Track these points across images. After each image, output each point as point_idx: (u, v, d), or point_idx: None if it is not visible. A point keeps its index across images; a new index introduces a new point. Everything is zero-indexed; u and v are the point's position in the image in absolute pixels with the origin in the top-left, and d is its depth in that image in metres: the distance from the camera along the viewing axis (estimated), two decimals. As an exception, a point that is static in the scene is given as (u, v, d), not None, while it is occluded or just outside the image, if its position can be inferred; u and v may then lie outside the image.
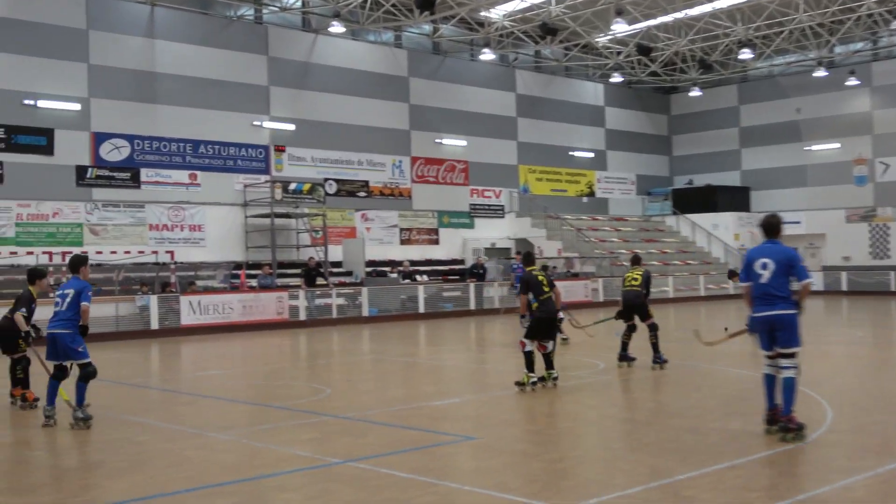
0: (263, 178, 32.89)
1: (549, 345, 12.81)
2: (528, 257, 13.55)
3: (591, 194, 45.03)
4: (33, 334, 12.13)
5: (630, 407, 11.63)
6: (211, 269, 30.08)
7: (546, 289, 12.79)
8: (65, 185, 28.79)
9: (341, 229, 34.83)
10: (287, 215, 32.42)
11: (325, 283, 29.94)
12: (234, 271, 30.01)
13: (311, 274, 29.49)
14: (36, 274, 12.21)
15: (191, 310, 25.84)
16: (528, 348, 12.65)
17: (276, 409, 11.61)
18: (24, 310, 12.00)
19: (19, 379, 12.34)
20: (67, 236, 28.70)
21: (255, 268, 30.45)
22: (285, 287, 29.00)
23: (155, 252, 29.74)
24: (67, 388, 10.66)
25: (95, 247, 28.93)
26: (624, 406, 11.74)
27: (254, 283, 28.73)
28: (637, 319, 15.16)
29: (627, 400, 12.33)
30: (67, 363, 10.56)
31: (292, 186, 32.71)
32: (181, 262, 29.75)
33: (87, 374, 10.31)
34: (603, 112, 45.81)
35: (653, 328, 14.88)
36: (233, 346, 22.34)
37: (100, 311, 22.42)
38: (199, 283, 28.99)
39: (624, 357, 15.07)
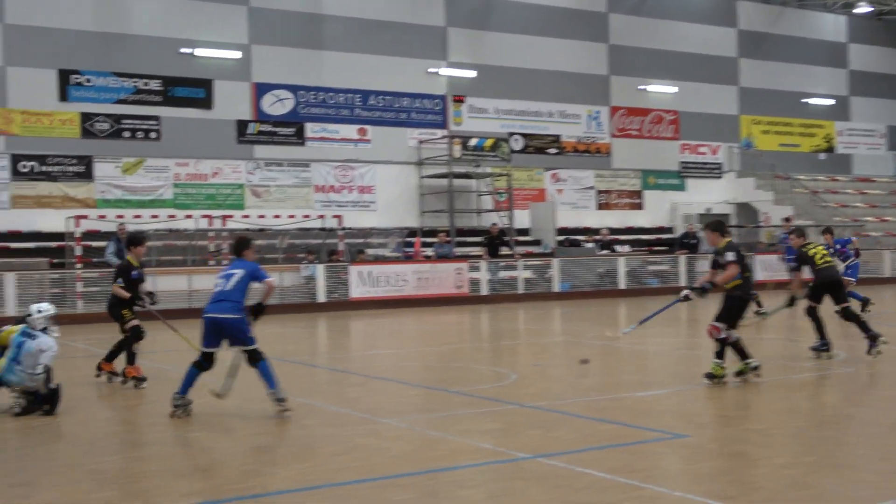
0: (440, 132, 33.32)
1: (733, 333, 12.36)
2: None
3: (830, 150, 43.18)
4: (149, 301, 13.18)
5: (877, 406, 11.11)
6: (382, 235, 30.80)
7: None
8: (225, 141, 30.20)
9: (528, 191, 34.92)
10: (467, 175, 32.73)
11: (509, 253, 30.05)
12: (408, 239, 30.60)
13: (494, 243, 29.69)
14: (132, 240, 13.22)
15: (360, 281, 26.57)
16: (723, 334, 12.24)
17: (455, 395, 11.78)
18: (121, 280, 12.92)
19: (131, 355, 13.12)
20: (228, 198, 30.13)
21: (430, 235, 30.98)
22: (464, 257, 29.37)
23: (321, 216, 30.76)
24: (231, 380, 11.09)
25: (257, 210, 30.28)
26: (871, 405, 11.23)
27: (429, 252, 29.24)
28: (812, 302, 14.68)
29: (873, 398, 11.79)
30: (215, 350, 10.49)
31: (473, 142, 33.01)
32: (350, 228, 30.62)
33: (259, 356, 10.34)
34: (845, 50, 43.68)
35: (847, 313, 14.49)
36: (406, 322, 22.81)
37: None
38: (370, 251, 29.78)
39: (825, 346, 14.49)
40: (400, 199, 32.70)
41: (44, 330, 11.19)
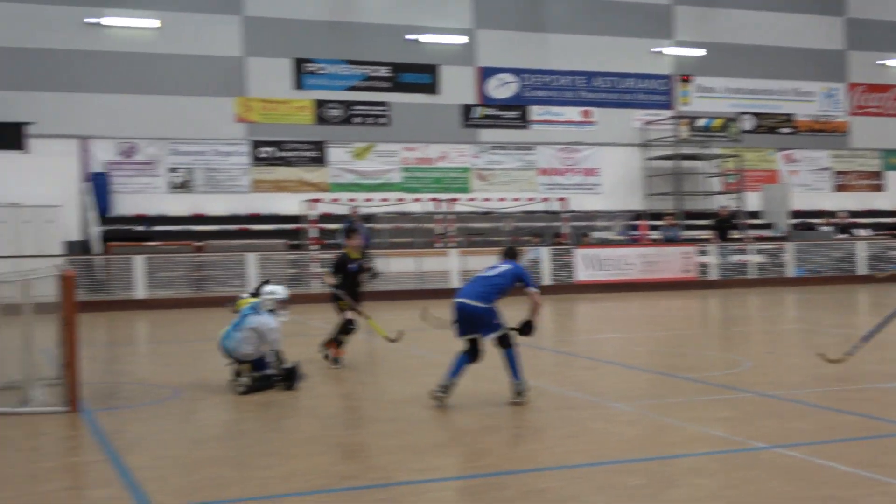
0: (666, 113, 32.84)
1: None
2: None
3: None
4: (368, 277, 13.37)
5: None
6: (607, 218, 30.67)
7: None
8: (450, 125, 30.75)
9: (760, 173, 33.91)
10: (694, 157, 32.13)
11: (739, 236, 29.29)
12: (633, 222, 30.35)
13: (724, 226, 29.06)
14: (347, 232, 13.48)
15: (586, 264, 26.53)
16: None
17: (685, 381, 11.60)
18: (331, 268, 13.15)
19: (339, 341, 13.15)
20: (454, 182, 30.67)
21: (655, 218, 30.61)
22: (692, 241, 28.81)
23: (545, 199, 30.89)
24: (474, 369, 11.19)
25: (482, 193, 30.72)
26: None
27: (656, 235, 28.89)
28: None
29: None
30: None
31: (700, 122, 32.32)
32: (574, 211, 30.67)
33: (509, 341, 10.09)
34: None
35: None
36: (632, 306, 22.65)
37: (482, 263, 23.64)
38: (595, 234, 29.76)
39: None
40: (624, 181, 32.41)
41: (270, 312, 11.48)
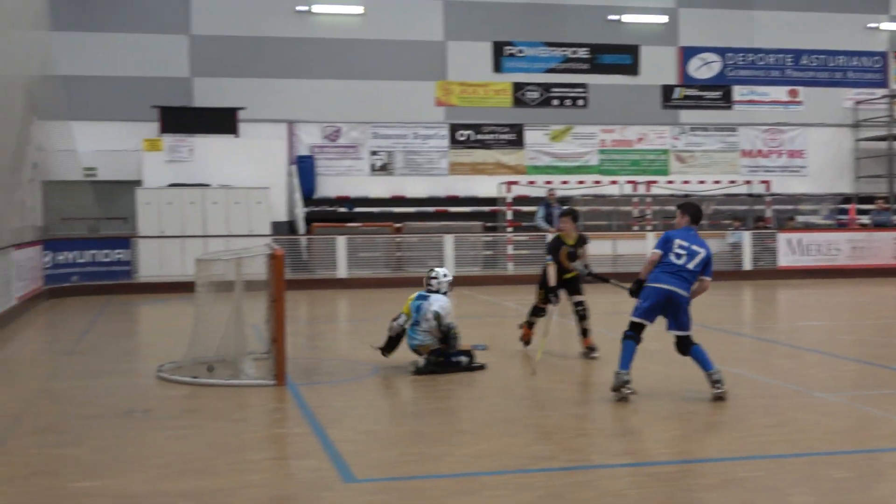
0: (879, 92, 31.45)
1: None
2: None
3: None
4: (554, 300, 12.26)
5: None
6: (813, 202, 29.67)
7: None
8: (649, 107, 30.35)
9: (982, 154, 31.84)
10: (910, 137, 30.55)
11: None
12: (841, 205, 29.24)
13: (941, 210, 27.49)
14: (567, 213, 12.75)
15: (789, 249, 25.76)
16: None
17: (895, 372, 11.14)
18: (550, 258, 12.36)
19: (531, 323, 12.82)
20: (652, 164, 30.27)
21: (865, 202, 29.38)
22: (906, 226, 27.45)
23: (748, 182, 30.16)
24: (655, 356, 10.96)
25: (681, 176, 30.22)
26: None
27: (865, 220, 27.80)
28: None
29: None
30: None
31: (918, 101, 30.66)
32: (778, 194, 29.82)
33: (690, 342, 9.54)
34: None
35: None
36: (838, 293, 21.86)
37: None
38: (799, 218, 28.80)
39: None
40: (832, 163, 31.22)
41: (445, 294, 11.48)
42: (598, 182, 29.51)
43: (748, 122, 30.77)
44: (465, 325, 12.57)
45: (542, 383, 10.71)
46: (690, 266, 9.41)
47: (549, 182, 28.62)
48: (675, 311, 9.42)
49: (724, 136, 30.59)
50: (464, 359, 11.37)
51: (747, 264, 25.65)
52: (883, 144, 30.48)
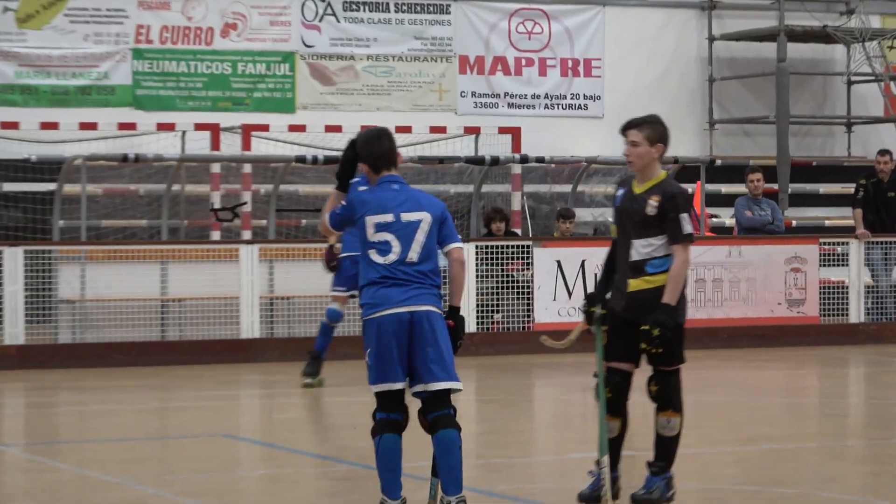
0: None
1: None
2: None
3: None
4: None
5: None
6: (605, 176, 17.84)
7: None
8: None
9: None
10: None
11: None
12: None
13: None
14: None
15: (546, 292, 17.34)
16: None
17: None
18: None
19: None
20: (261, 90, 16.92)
21: (728, 177, 19.85)
22: None
23: (474, 131, 18.17)
24: None
25: (320, 115, 16.92)
26: None
27: (725, 217, 20.19)
28: None
29: None
30: None
31: None
32: (536, 162, 18.15)
33: None
34: None
35: None
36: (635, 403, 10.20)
37: None
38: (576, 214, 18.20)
39: None
40: (658, 88, 18.96)
41: None
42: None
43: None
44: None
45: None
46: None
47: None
48: None
49: (413, 28, 16.89)
50: None
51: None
52: (766, 48, 17.07)
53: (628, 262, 5.73)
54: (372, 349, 5.38)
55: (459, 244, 5.64)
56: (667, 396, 5.83)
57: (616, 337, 5.83)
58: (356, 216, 5.38)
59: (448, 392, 5.41)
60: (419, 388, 5.34)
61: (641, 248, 5.73)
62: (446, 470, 5.38)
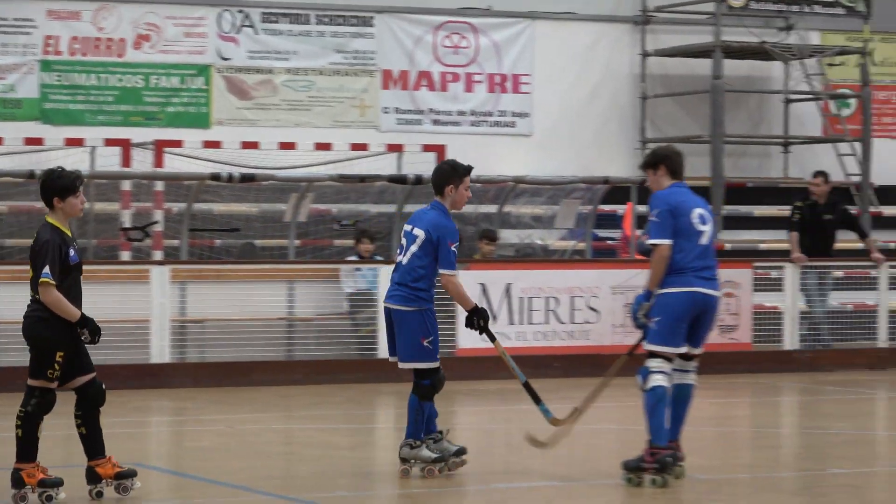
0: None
1: None
2: None
3: None
4: None
5: None
6: (536, 196, 17.46)
7: None
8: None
9: None
10: None
11: None
12: (608, 208, 18.50)
13: None
14: None
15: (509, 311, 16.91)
16: None
17: None
18: None
19: None
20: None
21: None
22: None
23: (396, 149, 17.53)
24: None
25: (235, 131, 16.64)
26: None
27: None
28: None
29: None
30: None
31: None
32: (478, 179, 17.01)
33: None
34: None
35: None
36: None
37: None
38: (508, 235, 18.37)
39: None
40: (587, 107, 18.69)
41: None
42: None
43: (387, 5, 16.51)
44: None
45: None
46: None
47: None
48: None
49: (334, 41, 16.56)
50: None
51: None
52: (701, 64, 16.79)
53: None
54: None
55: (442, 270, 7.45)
56: None
57: None
58: None
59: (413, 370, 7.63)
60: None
61: None
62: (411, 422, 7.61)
